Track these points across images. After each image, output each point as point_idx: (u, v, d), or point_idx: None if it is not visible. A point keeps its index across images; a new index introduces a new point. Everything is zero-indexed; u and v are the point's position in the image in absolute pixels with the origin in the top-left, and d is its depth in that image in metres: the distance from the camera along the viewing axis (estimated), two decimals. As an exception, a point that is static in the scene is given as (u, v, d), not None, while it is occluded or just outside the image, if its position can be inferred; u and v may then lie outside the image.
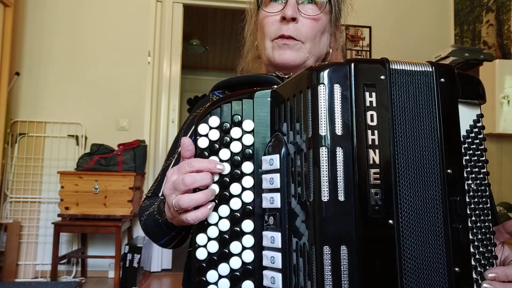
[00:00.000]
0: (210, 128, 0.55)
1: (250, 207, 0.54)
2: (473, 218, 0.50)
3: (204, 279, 0.53)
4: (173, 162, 0.78)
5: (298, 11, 0.76)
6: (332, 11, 0.81)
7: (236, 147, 0.55)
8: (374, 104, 0.48)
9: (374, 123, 0.47)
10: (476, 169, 0.52)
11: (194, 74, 6.42)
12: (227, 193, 0.54)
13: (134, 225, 3.14)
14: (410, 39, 3.47)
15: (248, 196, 0.54)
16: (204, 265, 0.53)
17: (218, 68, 6.52)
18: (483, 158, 0.53)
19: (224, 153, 0.55)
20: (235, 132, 0.55)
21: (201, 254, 0.53)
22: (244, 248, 0.53)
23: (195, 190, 0.54)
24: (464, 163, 0.51)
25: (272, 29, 0.78)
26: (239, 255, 0.53)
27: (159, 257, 3.21)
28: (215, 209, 0.54)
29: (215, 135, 0.55)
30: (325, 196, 0.45)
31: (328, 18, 0.81)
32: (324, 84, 0.47)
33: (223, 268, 0.53)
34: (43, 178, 3.04)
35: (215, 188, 0.54)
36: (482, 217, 0.51)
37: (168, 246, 0.73)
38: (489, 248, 0.51)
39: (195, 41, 5.28)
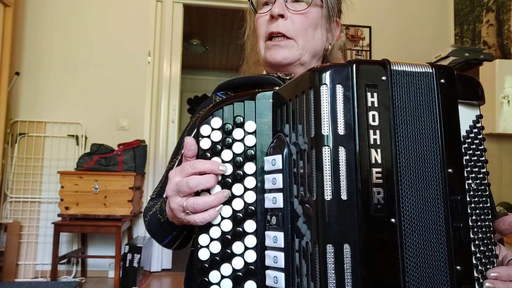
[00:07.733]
0: (212, 129, 0.56)
1: (253, 208, 0.54)
2: (474, 217, 0.51)
3: (207, 279, 0.53)
4: (176, 164, 0.79)
5: (285, 8, 0.77)
6: (323, 5, 0.80)
7: (238, 148, 0.55)
8: (376, 105, 0.48)
9: (376, 123, 0.48)
10: (476, 169, 0.53)
11: (194, 74, 6.42)
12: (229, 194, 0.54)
13: (134, 225, 3.14)
14: (410, 39, 3.48)
15: (250, 197, 0.54)
16: (207, 265, 0.53)
17: (218, 68, 6.52)
18: (483, 158, 0.53)
19: (227, 154, 0.55)
20: (237, 133, 0.55)
21: (203, 254, 0.54)
22: (246, 248, 0.53)
23: (197, 192, 0.54)
24: (464, 162, 0.52)
25: (263, 29, 0.80)
26: (242, 255, 0.53)
27: (159, 257, 3.21)
28: (217, 209, 0.54)
29: (217, 136, 0.55)
30: (328, 195, 0.46)
31: (319, 12, 0.80)
32: (326, 84, 0.48)
33: (226, 269, 0.53)
34: (43, 178, 3.04)
35: (222, 190, 0.54)
36: (482, 216, 0.52)
37: (171, 247, 0.74)
38: (489, 247, 0.52)
39: (195, 41, 5.28)
